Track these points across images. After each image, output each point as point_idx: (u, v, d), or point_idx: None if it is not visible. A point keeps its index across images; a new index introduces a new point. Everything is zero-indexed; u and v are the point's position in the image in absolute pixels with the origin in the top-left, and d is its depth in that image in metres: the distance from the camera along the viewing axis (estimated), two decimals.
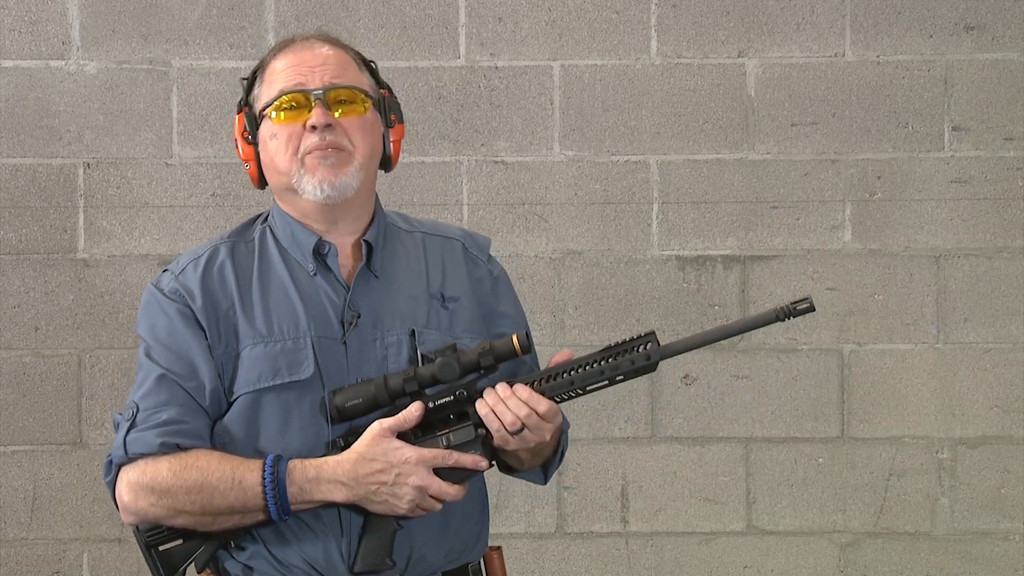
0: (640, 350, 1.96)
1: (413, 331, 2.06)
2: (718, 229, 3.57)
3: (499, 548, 2.18)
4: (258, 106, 2.08)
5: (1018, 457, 3.58)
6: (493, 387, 1.97)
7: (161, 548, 2.01)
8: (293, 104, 2.04)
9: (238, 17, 3.55)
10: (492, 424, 1.97)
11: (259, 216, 2.16)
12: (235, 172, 3.55)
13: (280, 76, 2.06)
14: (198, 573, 2.04)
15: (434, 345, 2.05)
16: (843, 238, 3.57)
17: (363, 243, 2.09)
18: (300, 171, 2.03)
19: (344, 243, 2.10)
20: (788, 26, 3.57)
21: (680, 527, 3.60)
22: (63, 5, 3.54)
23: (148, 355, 2.02)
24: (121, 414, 2.02)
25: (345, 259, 2.09)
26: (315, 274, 2.06)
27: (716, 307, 3.57)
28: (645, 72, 3.57)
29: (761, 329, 3.54)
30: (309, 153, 2.03)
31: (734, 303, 3.57)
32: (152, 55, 3.55)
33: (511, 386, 1.97)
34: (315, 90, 2.03)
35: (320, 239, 2.07)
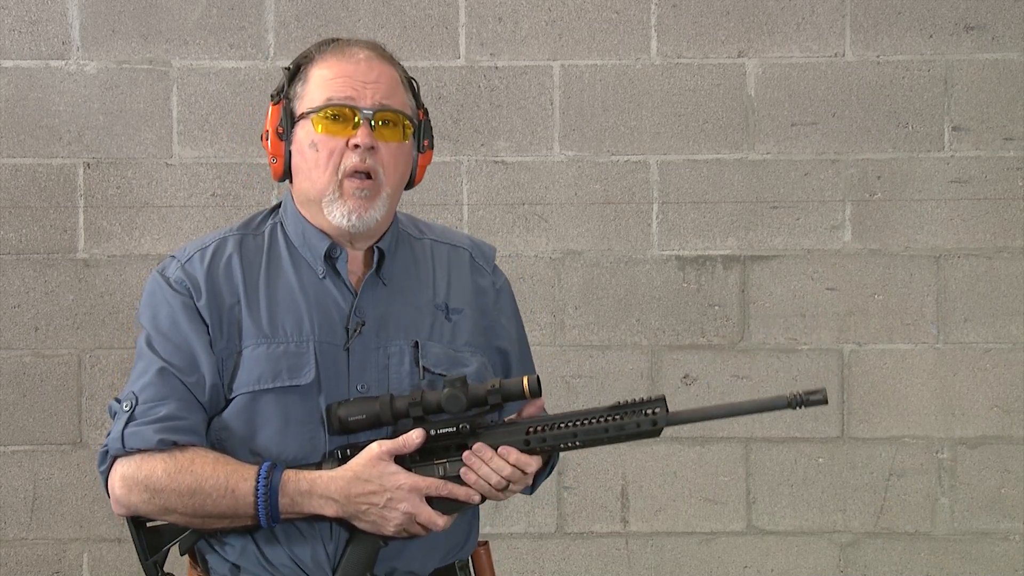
0: (648, 414, 1.96)
1: (416, 343, 2.06)
2: (718, 229, 3.58)
3: (486, 543, 2.19)
4: (299, 105, 2.05)
5: (1018, 457, 3.58)
6: (479, 446, 1.97)
7: (148, 525, 2.03)
8: (338, 116, 2.02)
9: (238, 17, 3.55)
10: (481, 488, 1.97)
11: (271, 210, 2.15)
12: (235, 172, 3.55)
13: (330, 83, 2.03)
14: (181, 555, 2.05)
15: (436, 358, 2.06)
16: (843, 238, 3.57)
17: (375, 249, 2.09)
18: (335, 193, 2.02)
19: (356, 250, 2.10)
20: (788, 26, 3.57)
21: (680, 527, 3.60)
22: (63, 5, 3.54)
23: (149, 345, 2.02)
24: (119, 401, 2.01)
25: (355, 264, 2.09)
26: (324, 277, 2.06)
27: (716, 307, 3.57)
28: (645, 72, 3.57)
29: (761, 328, 3.55)
30: (348, 176, 2.02)
31: (734, 303, 3.57)
32: (152, 55, 3.55)
33: (496, 448, 1.97)
34: (365, 108, 2.02)
35: (332, 243, 2.07)
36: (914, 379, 3.58)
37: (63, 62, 3.54)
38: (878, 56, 3.56)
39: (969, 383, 3.58)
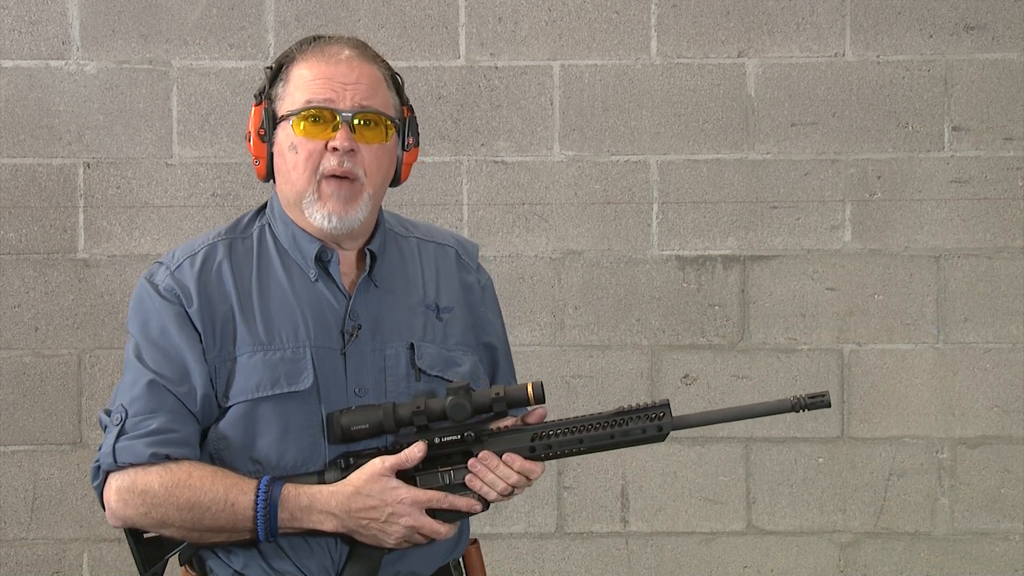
0: (653, 419, 1.97)
1: (411, 344, 2.06)
2: (718, 229, 3.58)
3: (476, 542, 2.19)
4: (279, 107, 2.04)
5: (1018, 457, 3.58)
6: (485, 453, 1.97)
7: (146, 536, 2.02)
8: (317, 118, 2.00)
9: (238, 17, 3.55)
10: (487, 495, 1.98)
11: (257, 211, 2.14)
12: (235, 172, 3.55)
13: (309, 85, 2.01)
14: (181, 566, 2.05)
15: (431, 359, 2.06)
16: (843, 238, 3.57)
17: (367, 252, 2.08)
18: (314, 195, 2.01)
19: (346, 252, 2.09)
20: (788, 26, 3.57)
21: (680, 527, 3.60)
22: (63, 5, 3.54)
23: (138, 356, 2.00)
24: (108, 414, 2.00)
25: (347, 266, 2.08)
26: (316, 280, 2.05)
27: (716, 307, 3.57)
28: (645, 72, 3.57)
29: (761, 328, 3.54)
30: (326, 178, 2.01)
31: (734, 303, 3.57)
32: (152, 55, 3.55)
33: (501, 455, 1.97)
34: (343, 111, 2.00)
35: (323, 246, 2.06)
36: (914, 379, 3.58)
37: (63, 62, 3.54)
38: (878, 56, 3.56)
39: (969, 383, 3.58)
